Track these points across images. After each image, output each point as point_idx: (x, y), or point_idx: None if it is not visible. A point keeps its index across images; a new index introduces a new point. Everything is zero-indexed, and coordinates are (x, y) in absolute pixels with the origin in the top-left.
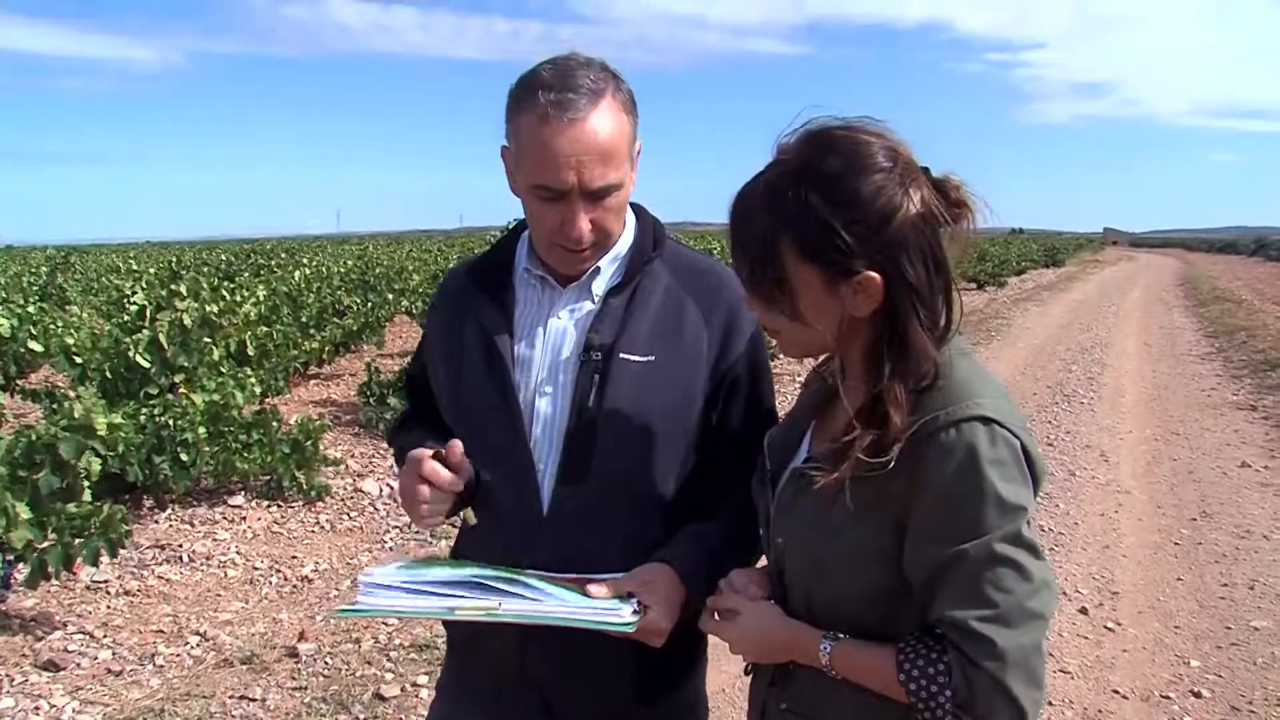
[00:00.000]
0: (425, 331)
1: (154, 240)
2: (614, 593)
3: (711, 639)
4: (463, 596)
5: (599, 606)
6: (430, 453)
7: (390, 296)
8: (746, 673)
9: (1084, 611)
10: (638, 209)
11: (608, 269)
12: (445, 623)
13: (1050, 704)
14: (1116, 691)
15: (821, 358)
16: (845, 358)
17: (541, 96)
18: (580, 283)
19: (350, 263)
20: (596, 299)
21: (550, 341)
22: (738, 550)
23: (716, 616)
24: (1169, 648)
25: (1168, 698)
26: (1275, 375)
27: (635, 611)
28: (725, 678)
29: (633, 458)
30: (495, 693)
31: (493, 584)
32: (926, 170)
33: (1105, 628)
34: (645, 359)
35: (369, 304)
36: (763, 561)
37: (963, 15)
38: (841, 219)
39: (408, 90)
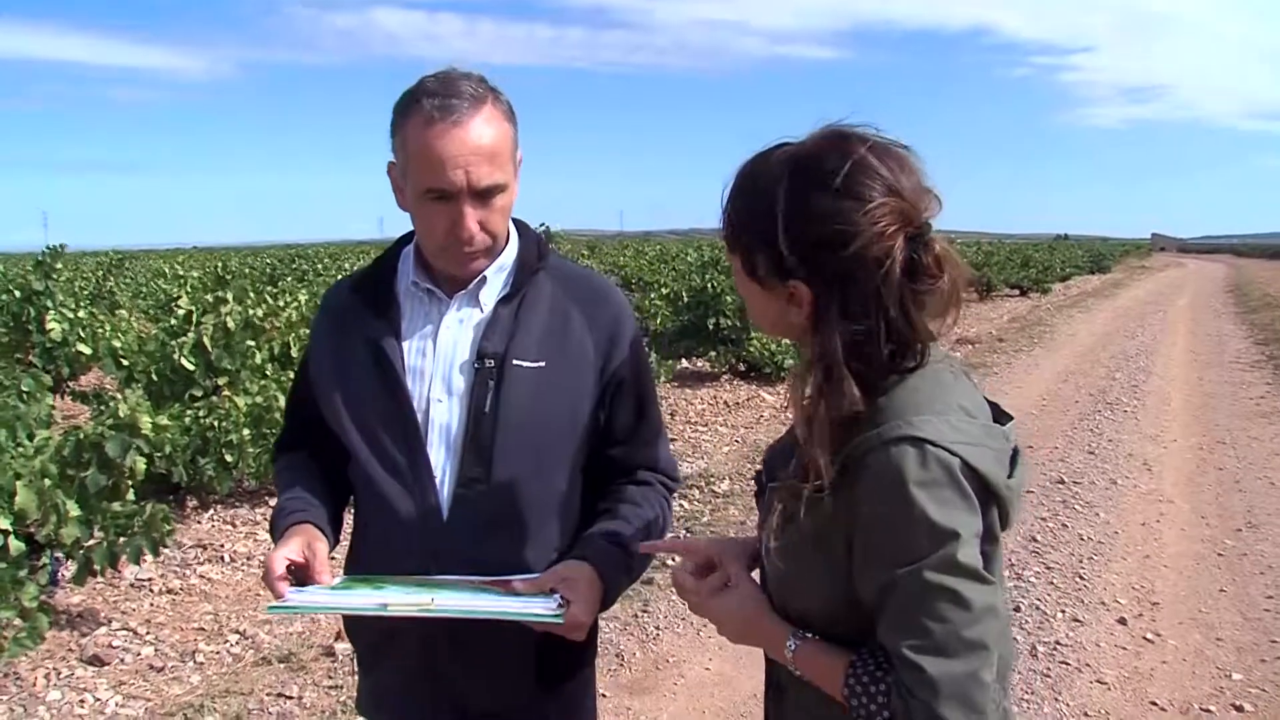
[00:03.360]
0: (308, 350)
1: (201, 246)
2: (536, 590)
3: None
4: (395, 593)
5: (527, 600)
6: (285, 566)
7: None
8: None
9: (1123, 622)
10: (520, 224)
11: (495, 278)
12: (350, 636)
13: (1086, 715)
14: (1155, 704)
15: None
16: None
17: (426, 103)
18: (467, 292)
19: None
20: (485, 308)
21: (442, 351)
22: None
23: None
24: (1210, 660)
25: (1208, 711)
26: None
27: (560, 605)
28: (755, 683)
29: (529, 460)
30: (405, 696)
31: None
32: (923, 227)
33: (1144, 638)
34: (536, 365)
35: None
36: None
37: (1009, 19)
38: (791, 222)
39: None
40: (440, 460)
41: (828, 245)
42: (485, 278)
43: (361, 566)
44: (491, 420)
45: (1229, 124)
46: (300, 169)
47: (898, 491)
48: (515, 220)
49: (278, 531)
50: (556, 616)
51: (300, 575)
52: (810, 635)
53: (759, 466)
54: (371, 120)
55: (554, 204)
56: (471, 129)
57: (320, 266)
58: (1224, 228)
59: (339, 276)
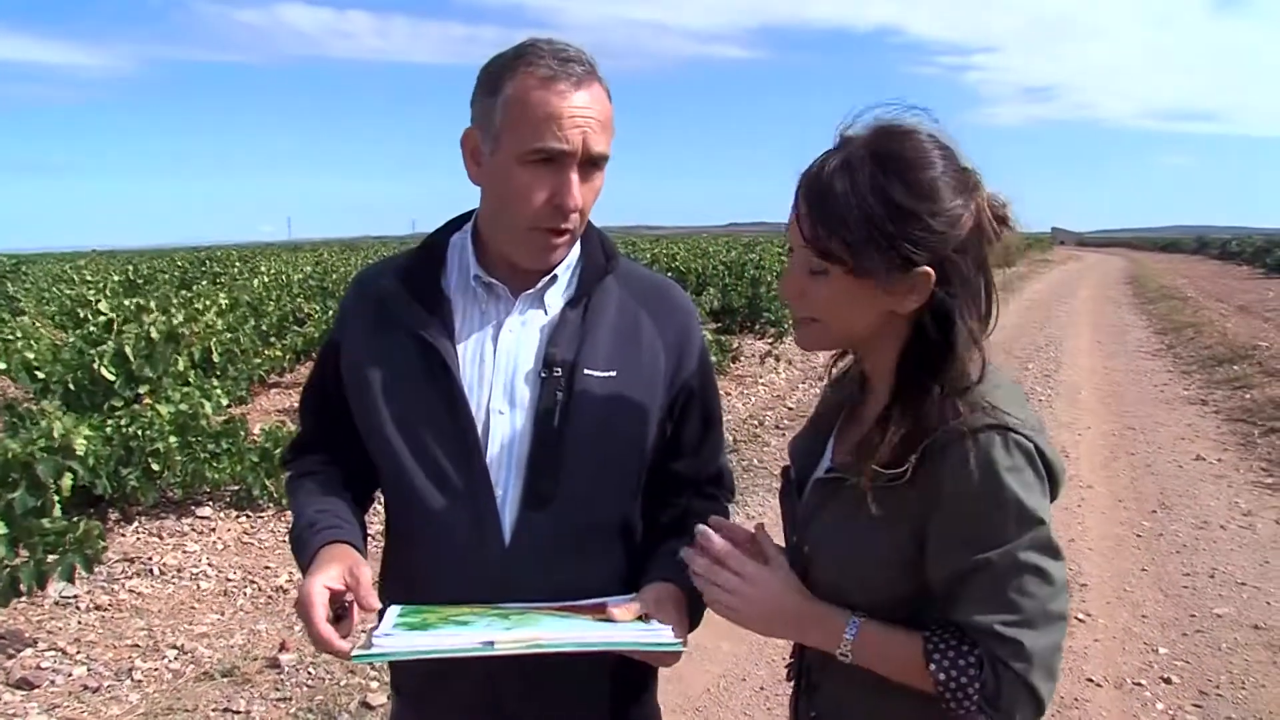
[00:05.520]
0: (335, 342)
1: (101, 249)
2: (632, 615)
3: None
4: (491, 628)
5: (640, 628)
6: (326, 597)
7: None
8: (788, 679)
9: None
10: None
11: (564, 277)
12: (393, 667)
13: None
14: (1090, 680)
15: (840, 364)
16: (874, 359)
17: (542, 60)
18: (533, 293)
19: (308, 269)
20: (550, 310)
21: (504, 356)
22: None
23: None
24: (1138, 636)
25: (1139, 684)
26: (1223, 370)
27: (676, 634)
28: (709, 677)
29: (598, 478)
30: None
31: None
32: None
33: (1076, 618)
34: (607, 374)
35: (328, 311)
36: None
37: (917, 19)
38: (925, 209)
39: (361, 95)
40: (501, 478)
41: (952, 221)
42: (556, 275)
43: (403, 593)
44: (559, 434)
45: (1125, 123)
46: (206, 170)
47: (992, 479)
48: None
49: (307, 552)
50: (675, 645)
51: (339, 604)
52: (869, 618)
53: (785, 461)
54: (280, 120)
55: (461, 202)
56: (592, 92)
57: (234, 270)
58: (1120, 222)
59: (255, 280)
